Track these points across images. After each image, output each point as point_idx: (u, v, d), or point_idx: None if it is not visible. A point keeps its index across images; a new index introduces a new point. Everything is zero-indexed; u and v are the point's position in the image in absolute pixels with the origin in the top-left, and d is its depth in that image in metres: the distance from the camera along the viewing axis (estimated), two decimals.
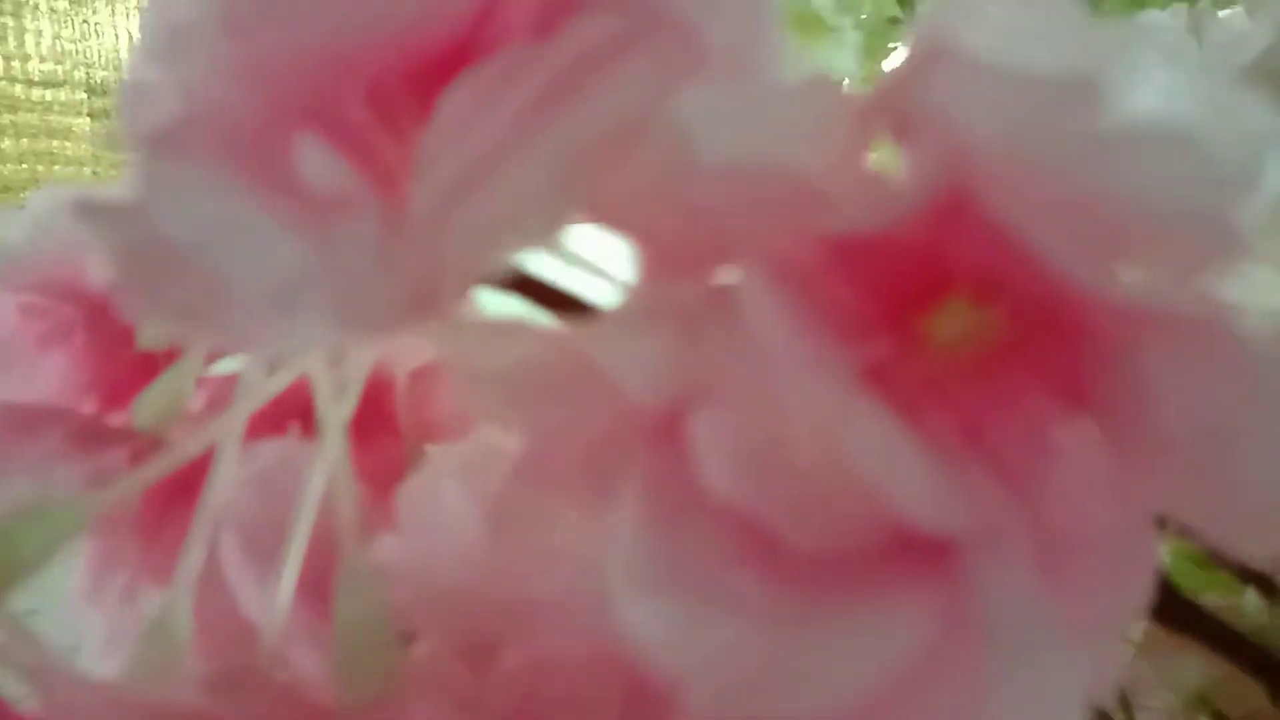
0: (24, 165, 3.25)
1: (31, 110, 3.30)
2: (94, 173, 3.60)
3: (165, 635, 0.15)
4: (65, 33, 3.53)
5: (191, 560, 0.16)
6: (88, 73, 3.68)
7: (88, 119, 3.58)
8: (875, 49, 0.36)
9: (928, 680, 0.10)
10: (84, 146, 3.53)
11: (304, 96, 0.12)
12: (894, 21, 0.36)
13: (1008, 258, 0.10)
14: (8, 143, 3.21)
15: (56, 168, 3.45)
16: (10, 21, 3.21)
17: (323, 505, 0.16)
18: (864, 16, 0.33)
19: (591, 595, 0.10)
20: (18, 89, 3.23)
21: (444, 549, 0.14)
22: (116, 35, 3.83)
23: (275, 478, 0.17)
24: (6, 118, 3.21)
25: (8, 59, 3.18)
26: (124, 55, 3.88)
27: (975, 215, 0.10)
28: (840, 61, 0.34)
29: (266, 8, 0.12)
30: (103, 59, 3.76)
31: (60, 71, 3.49)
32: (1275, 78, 0.30)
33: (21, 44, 3.28)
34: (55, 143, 3.40)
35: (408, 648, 0.15)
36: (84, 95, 3.58)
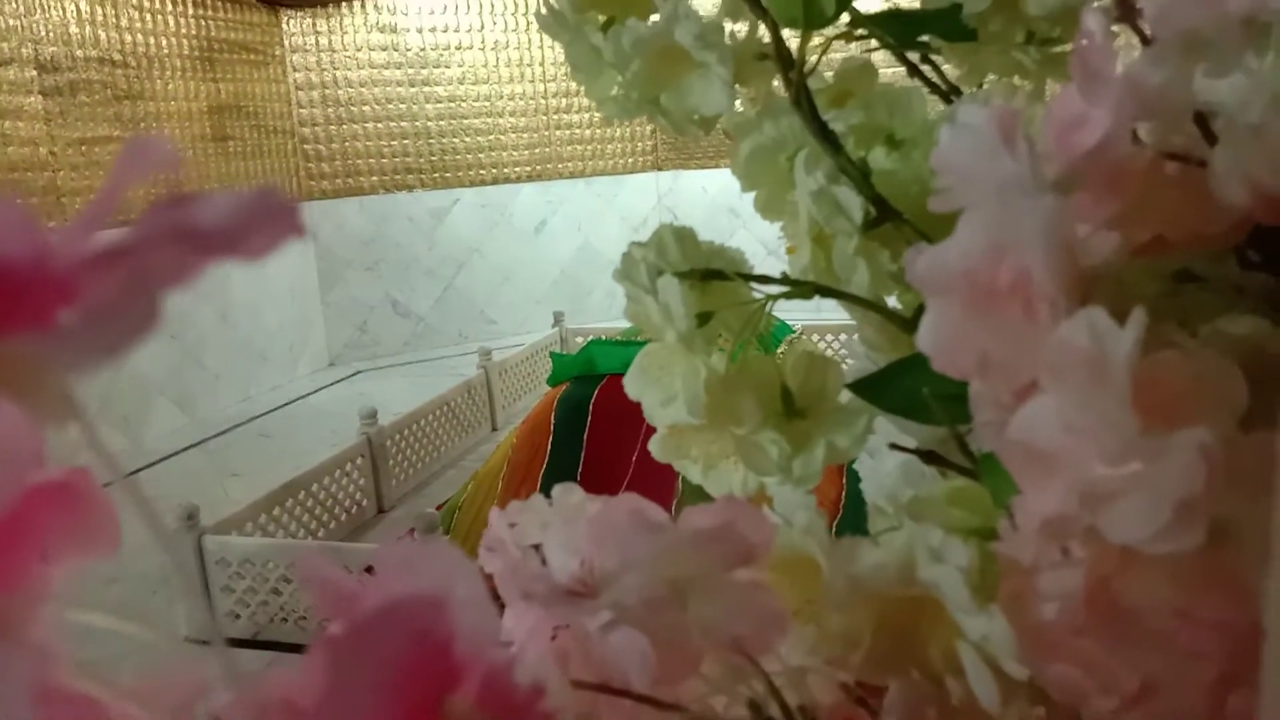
0: None
1: None
2: (50, 153, 4.11)
3: None
4: (9, 8, 3.93)
5: None
6: (36, 49, 4.11)
7: (40, 97, 4.04)
8: (745, 84, 0.39)
9: None
10: (38, 126, 4.01)
11: None
12: (762, 57, 0.37)
13: None
14: None
15: (10, 149, 3.95)
16: None
17: None
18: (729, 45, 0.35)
19: None
20: None
21: None
22: (65, 9, 4.25)
23: None
24: None
25: None
26: (74, 30, 4.31)
27: None
28: (709, 100, 0.36)
29: None
30: (51, 34, 4.17)
31: (6, 49, 3.91)
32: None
33: None
34: (7, 123, 3.84)
35: None
36: (34, 73, 4.02)
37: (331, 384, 5.17)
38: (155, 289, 0.16)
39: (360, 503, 3.20)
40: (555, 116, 5.88)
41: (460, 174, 5.69)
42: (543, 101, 5.85)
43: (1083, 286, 0.24)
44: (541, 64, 5.78)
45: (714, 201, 5.94)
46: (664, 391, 0.30)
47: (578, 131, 5.87)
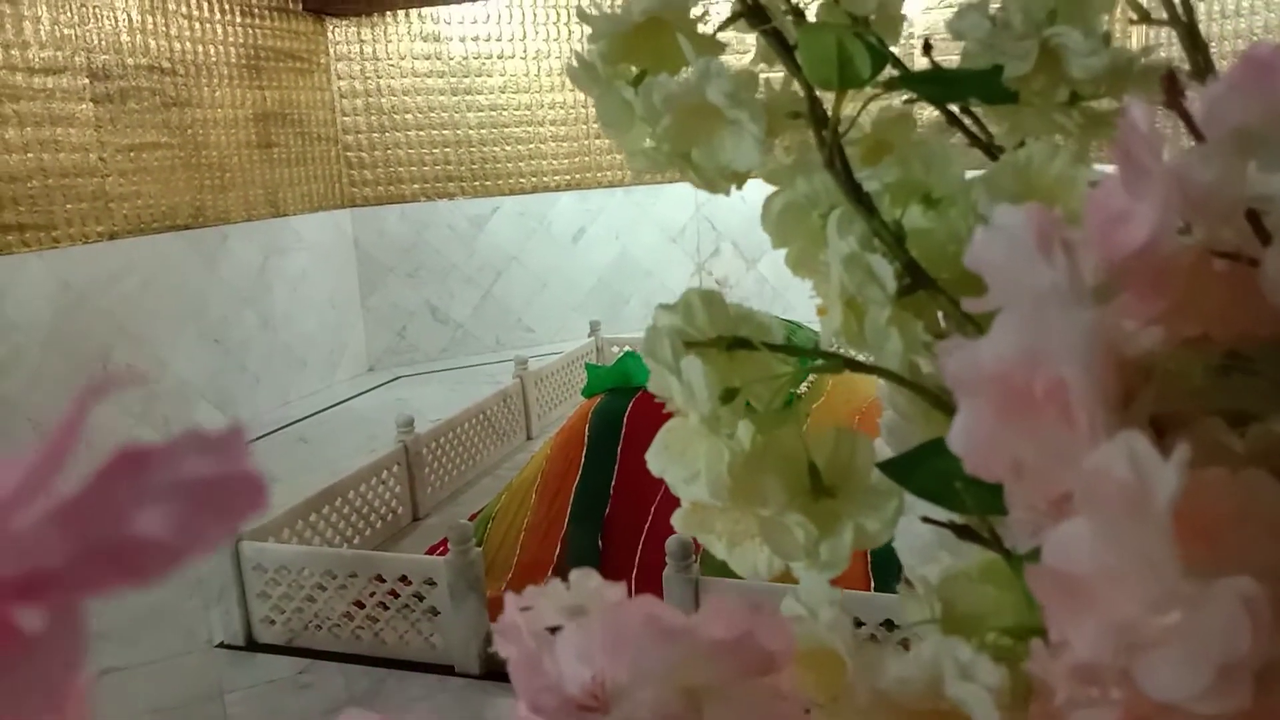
0: (29, 154, 3.75)
1: (33, 99, 3.79)
2: (100, 159, 4.18)
3: None
4: (64, 18, 4.01)
5: None
6: (89, 58, 4.18)
7: (91, 104, 4.11)
8: (778, 136, 0.38)
9: None
10: (89, 132, 4.08)
11: None
12: (796, 115, 0.37)
13: None
14: (11, 132, 3.67)
15: (61, 155, 4.02)
16: (7, 9, 3.66)
17: None
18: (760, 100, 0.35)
19: None
20: (18, 77, 3.68)
21: None
22: (116, 18, 4.32)
23: None
24: (9, 107, 3.66)
25: (6, 47, 3.66)
26: (125, 38, 4.38)
27: None
28: (741, 155, 0.36)
29: None
30: (103, 43, 4.25)
31: (60, 58, 3.98)
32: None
33: (20, 31, 3.75)
34: (59, 130, 3.91)
35: None
36: (86, 81, 4.10)
37: (370, 389, 5.21)
38: (80, 629, 0.15)
39: (395, 510, 3.21)
40: (595, 125, 5.89)
41: (500, 182, 5.72)
42: (582, 110, 5.86)
43: (1125, 378, 0.23)
44: None
45: (752, 211, 5.81)
46: (686, 469, 0.30)
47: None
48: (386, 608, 2.43)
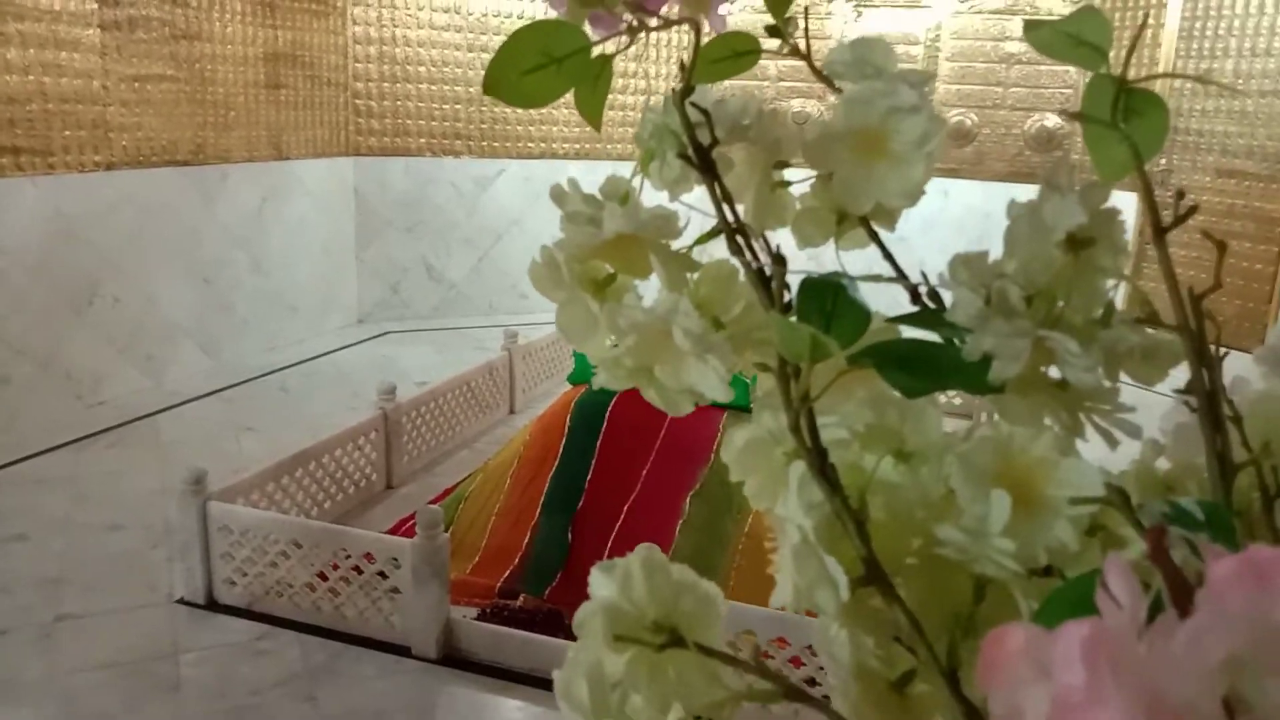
0: (30, 76, 3.67)
1: (39, 19, 3.71)
2: (103, 87, 4.11)
3: None
4: None
5: None
6: None
7: (98, 30, 4.04)
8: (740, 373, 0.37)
9: None
10: (93, 59, 4.00)
11: None
12: (762, 343, 0.35)
13: None
14: (13, 52, 3.59)
15: (64, 80, 3.95)
16: None
17: None
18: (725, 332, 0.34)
19: None
20: None
21: None
22: None
23: None
24: (12, 26, 3.58)
25: None
26: None
27: None
28: (706, 386, 0.34)
29: None
30: None
31: None
32: None
33: None
34: (63, 54, 3.83)
35: None
36: (94, 5, 4.01)
37: (358, 342, 5.17)
38: None
39: (370, 477, 3.19)
40: (610, 97, 5.80)
41: (508, 145, 5.65)
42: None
43: None
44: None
45: None
46: None
47: (630, 114, 5.79)
48: (349, 583, 2.42)
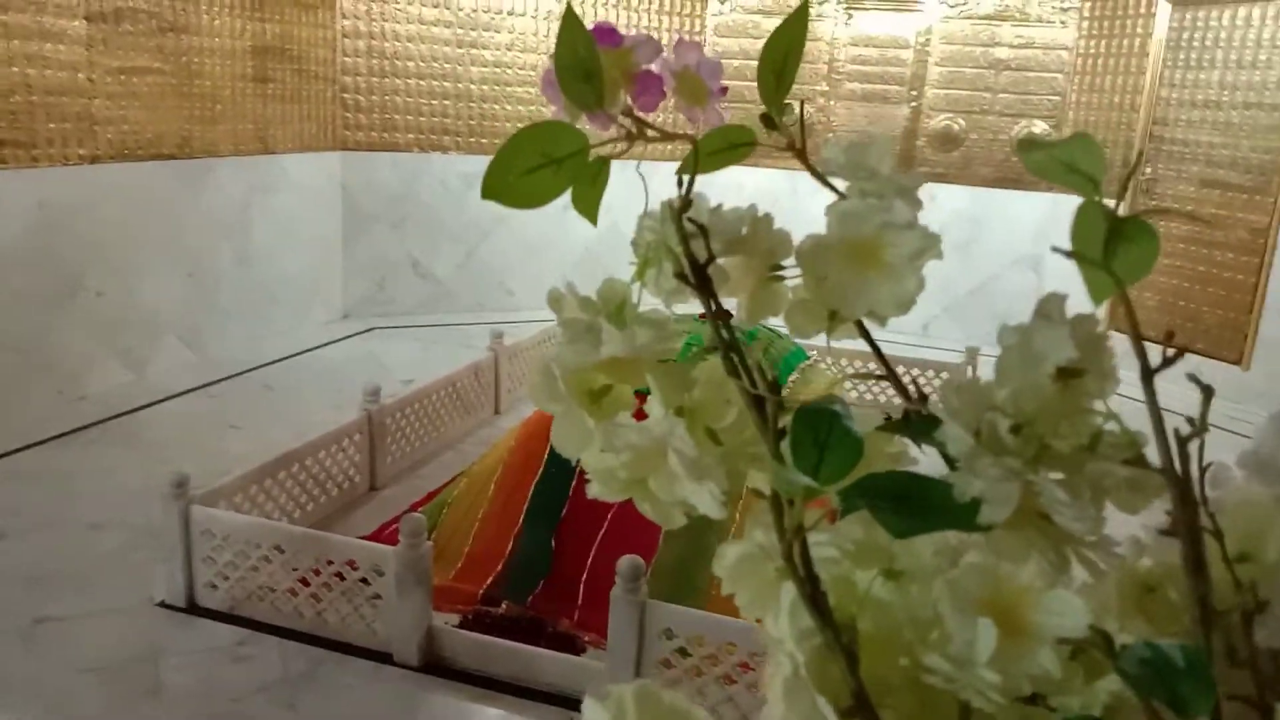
0: (14, 68, 3.64)
1: (23, 10, 3.68)
2: (88, 79, 4.08)
3: None
4: None
5: None
6: None
7: (84, 22, 4.00)
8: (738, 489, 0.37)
9: None
10: (78, 51, 3.97)
11: None
12: (754, 458, 0.36)
13: None
14: None
15: (49, 72, 3.91)
16: None
17: None
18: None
19: None
20: None
21: None
22: None
23: None
24: None
25: None
26: None
27: None
28: (701, 504, 0.35)
29: None
30: None
31: None
32: None
33: None
34: (48, 45, 3.80)
35: None
36: None
37: (343, 338, 5.15)
38: None
39: (354, 478, 3.19)
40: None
41: (497, 141, 5.62)
42: None
43: None
44: None
45: (746, 196, 5.82)
46: None
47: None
48: (331, 589, 2.41)
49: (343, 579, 2.40)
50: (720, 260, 0.38)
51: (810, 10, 5.82)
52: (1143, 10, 5.28)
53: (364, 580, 2.38)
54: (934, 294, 5.61)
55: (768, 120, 0.46)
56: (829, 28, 5.88)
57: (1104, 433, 0.35)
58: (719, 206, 0.39)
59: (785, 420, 0.34)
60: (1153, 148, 5.25)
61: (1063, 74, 5.65)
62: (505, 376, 4.12)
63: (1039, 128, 5.71)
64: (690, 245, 0.37)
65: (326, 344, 5.05)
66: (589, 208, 0.42)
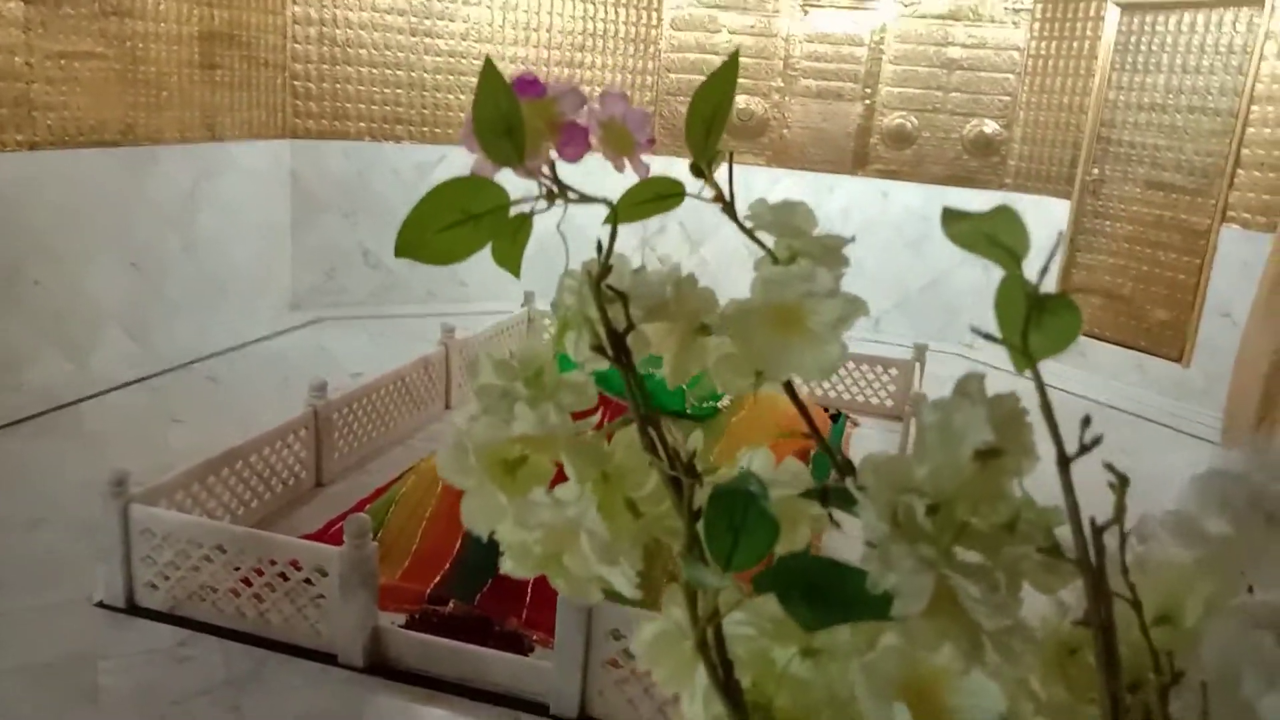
0: None
1: None
2: (26, 64, 3.96)
3: None
4: None
5: None
6: None
7: (21, 3, 3.88)
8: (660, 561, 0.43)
9: None
10: (15, 34, 3.86)
11: None
12: (672, 532, 0.35)
13: None
14: None
15: None
16: None
17: None
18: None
19: None
20: None
21: None
22: None
23: None
24: None
25: None
26: None
27: None
28: (618, 584, 0.35)
29: None
30: None
31: None
32: None
33: None
34: None
35: None
36: None
37: (291, 329, 5.07)
38: None
39: (299, 474, 3.14)
40: None
41: (450, 131, 5.57)
42: (545, 69, 5.72)
43: None
44: (549, 30, 5.65)
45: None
46: None
47: None
48: (274, 589, 2.38)
49: (286, 579, 2.36)
50: (641, 326, 0.37)
51: (767, 5, 5.83)
52: (1092, 13, 5.35)
53: (308, 581, 2.35)
54: (886, 290, 5.66)
55: (697, 170, 0.45)
56: (785, 24, 5.89)
57: (1022, 512, 0.35)
58: (641, 268, 0.39)
59: (701, 499, 0.34)
60: (1100, 149, 5.33)
61: (1014, 74, 5.71)
62: (456, 371, 4.08)
63: (990, 127, 5.77)
64: (609, 313, 0.36)
65: (274, 335, 4.98)
66: (511, 262, 0.41)
